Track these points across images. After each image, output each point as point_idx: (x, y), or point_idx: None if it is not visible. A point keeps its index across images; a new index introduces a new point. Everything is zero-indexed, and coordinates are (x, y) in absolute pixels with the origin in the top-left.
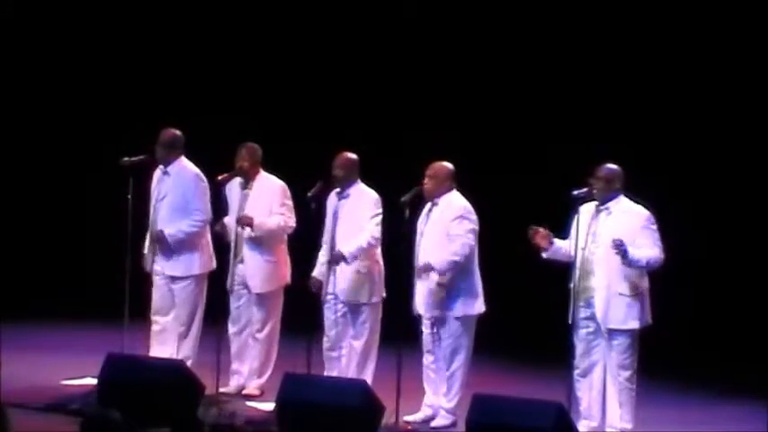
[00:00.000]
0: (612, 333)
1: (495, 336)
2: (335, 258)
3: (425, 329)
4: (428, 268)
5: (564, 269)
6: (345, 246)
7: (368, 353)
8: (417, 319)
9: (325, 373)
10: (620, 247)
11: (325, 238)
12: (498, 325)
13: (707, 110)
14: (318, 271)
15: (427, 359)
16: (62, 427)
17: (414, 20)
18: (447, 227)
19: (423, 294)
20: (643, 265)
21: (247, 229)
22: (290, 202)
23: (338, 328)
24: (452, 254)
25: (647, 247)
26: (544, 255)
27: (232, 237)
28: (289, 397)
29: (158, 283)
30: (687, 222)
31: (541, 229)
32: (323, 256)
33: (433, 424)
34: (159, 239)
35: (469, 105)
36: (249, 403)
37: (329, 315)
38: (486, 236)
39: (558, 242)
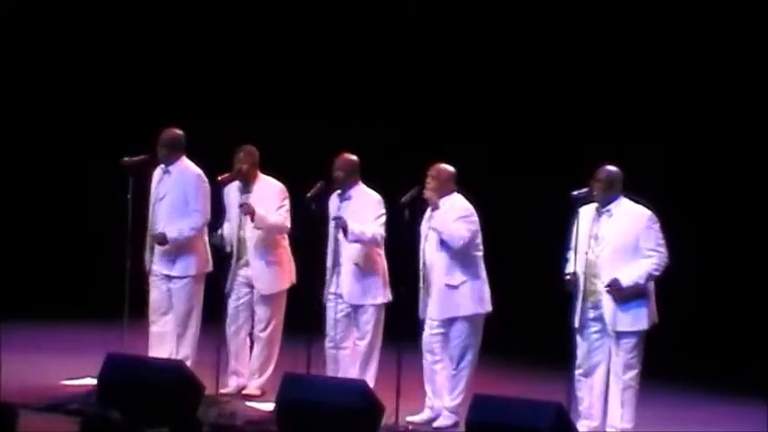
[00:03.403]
0: (620, 334)
1: (496, 336)
2: (339, 224)
3: (428, 330)
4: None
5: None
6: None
7: (370, 354)
8: (420, 320)
9: (328, 374)
10: (614, 287)
11: (330, 241)
12: (498, 325)
13: (708, 111)
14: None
15: (428, 359)
16: (62, 427)
17: (414, 17)
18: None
19: (435, 297)
20: (643, 283)
21: (248, 225)
22: (287, 204)
23: (339, 329)
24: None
25: (648, 255)
26: (574, 290)
27: (234, 241)
28: (289, 397)
29: (156, 283)
30: (685, 224)
31: (570, 277)
32: (330, 261)
33: (436, 424)
34: (160, 241)
35: (470, 106)
36: (249, 403)
37: (330, 315)
38: (486, 237)
39: (577, 270)
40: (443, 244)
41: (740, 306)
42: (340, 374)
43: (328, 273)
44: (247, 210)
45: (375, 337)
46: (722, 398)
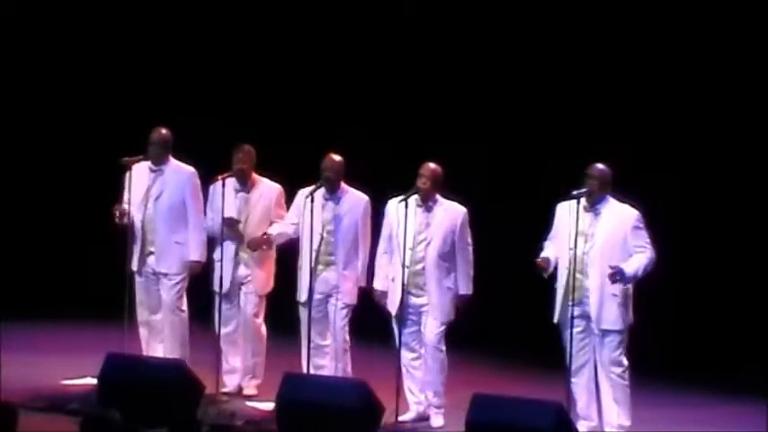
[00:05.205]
0: (605, 332)
1: (494, 336)
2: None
3: (409, 328)
4: (467, 299)
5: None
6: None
7: (346, 349)
8: (393, 317)
9: (309, 371)
10: (616, 275)
11: (314, 240)
12: (497, 325)
13: (692, 112)
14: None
15: (407, 357)
16: (62, 427)
17: (413, 21)
18: (453, 231)
19: (436, 300)
20: (640, 275)
21: (247, 224)
22: (284, 205)
23: (320, 328)
24: (471, 268)
25: (639, 251)
26: (545, 275)
27: (225, 238)
28: (288, 397)
29: (146, 283)
30: (688, 223)
31: (540, 260)
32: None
33: (435, 424)
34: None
35: (463, 106)
36: (249, 403)
37: (314, 315)
38: (484, 235)
39: (551, 257)
40: (447, 245)
41: (740, 306)
42: (320, 372)
43: (302, 273)
44: (269, 241)
45: (347, 333)
46: (722, 398)
